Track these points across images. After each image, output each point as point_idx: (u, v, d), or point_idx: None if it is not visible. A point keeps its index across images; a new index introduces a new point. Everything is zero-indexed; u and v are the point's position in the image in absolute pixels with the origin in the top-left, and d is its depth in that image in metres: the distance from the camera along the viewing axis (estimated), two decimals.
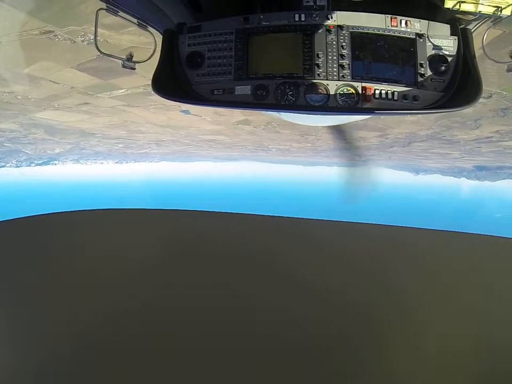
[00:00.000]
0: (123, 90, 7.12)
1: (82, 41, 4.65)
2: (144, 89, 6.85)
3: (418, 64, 1.62)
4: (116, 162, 30.48)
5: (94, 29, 1.66)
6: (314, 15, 1.64)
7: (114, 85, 6.86)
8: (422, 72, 1.62)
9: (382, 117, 8.28)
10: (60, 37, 4.52)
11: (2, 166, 24.92)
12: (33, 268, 6.87)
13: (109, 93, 7.42)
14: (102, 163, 29.86)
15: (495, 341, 5.12)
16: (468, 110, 7.66)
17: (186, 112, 9.52)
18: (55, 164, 26.90)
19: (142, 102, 8.19)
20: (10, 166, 25.48)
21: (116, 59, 1.70)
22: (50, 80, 6.60)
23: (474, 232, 8.46)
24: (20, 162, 25.32)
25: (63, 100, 8.22)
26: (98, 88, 7.06)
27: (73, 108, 9.06)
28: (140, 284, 6.46)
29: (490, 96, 6.56)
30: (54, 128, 13.00)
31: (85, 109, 9.25)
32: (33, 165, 26.16)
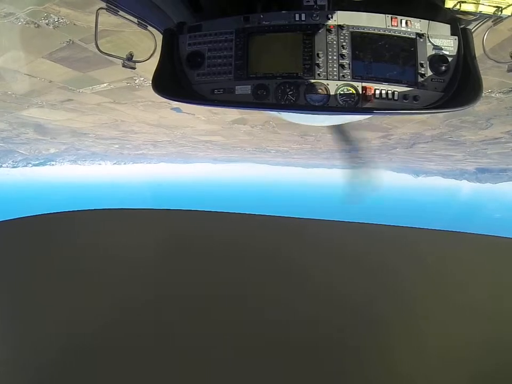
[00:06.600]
0: (105, 84, 6.63)
1: (47, 24, 4.14)
2: (127, 83, 6.35)
3: (419, 64, 1.62)
4: (113, 163, 30.43)
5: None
6: (314, 15, 1.65)
7: (94, 78, 6.37)
8: (422, 72, 1.62)
9: (384, 116, 7.92)
10: (22, 19, 4.02)
11: None
12: (32, 267, 6.75)
13: (90, 87, 6.93)
14: (99, 164, 29.88)
15: (495, 340, 4.89)
16: (480, 108, 7.18)
17: (178, 110, 9.03)
18: (53, 165, 26.92)
19: (128, 98, 7.71)
20: (7, 167, 25.41)
21: (108, 56, 1.66)
22: (25, 74, 6.12)
23: (475, 232, 8.37)
24: (16, 163, 25.26)
25: (45, 96, 7.75)
26: (78, 82, 6.57)
27: (57, 105, 8.60)
28: (140, 284, 6.26)
29: (510, 91, 5.98)
30: (43, 127, 12.67)
31: (70, 106, 8.80)
32: (30, 165, 26.14)
